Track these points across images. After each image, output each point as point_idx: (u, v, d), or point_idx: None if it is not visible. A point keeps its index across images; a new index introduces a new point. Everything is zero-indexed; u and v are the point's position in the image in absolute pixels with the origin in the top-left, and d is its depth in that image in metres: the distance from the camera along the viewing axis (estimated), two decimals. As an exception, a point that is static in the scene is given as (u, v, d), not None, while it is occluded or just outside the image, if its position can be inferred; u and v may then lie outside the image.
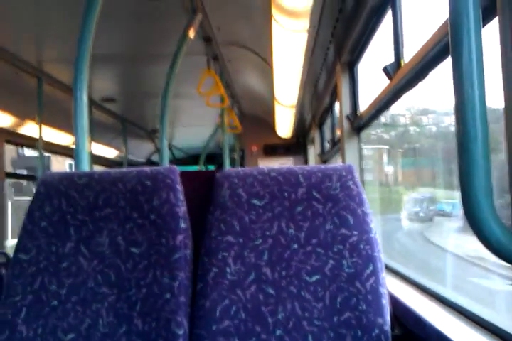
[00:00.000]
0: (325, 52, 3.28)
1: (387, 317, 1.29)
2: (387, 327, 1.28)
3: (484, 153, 0.85)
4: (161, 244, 1.35)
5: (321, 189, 1.38)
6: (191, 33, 3.28)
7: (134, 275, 1.34)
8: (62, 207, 1.41)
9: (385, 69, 2.18)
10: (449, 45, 0.90)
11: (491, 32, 1.06)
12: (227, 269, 1.34)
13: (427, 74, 1.79)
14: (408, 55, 2.01)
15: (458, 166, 0.88)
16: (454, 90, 0.90)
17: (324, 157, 5.50)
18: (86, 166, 2.09)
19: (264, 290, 1.32)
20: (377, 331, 1.27)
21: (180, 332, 1.28)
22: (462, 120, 0.87)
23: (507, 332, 1.12)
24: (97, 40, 2.13)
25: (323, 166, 1.45)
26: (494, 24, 1.07)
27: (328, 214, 1.36)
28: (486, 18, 1.07)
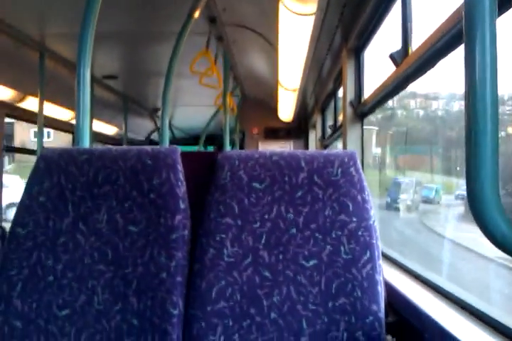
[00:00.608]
0: (331, 38, 3.24)
1: (382, 304, 1.30)
2: (381, 314, 1.29)
3: (493, 146, 0.84)
4: (160, 223, 1.35)
5: (322, 174, 1.38)
6: (196, 13, 3.24)
7: (131, 253, 1.34)
8: (61, 182, 1.40)
9: (392, 56, 2.16)
10: (463, 34, 0.89)
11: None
12: (225, 251, 1.34)
13: (435, 62, 1.76)
14: (416, 42, 1.99)
15: (465, 158, 0.87)
16: (465, 80, 0.88)
17: (325, 142, 5.49)
18: (86, 143, 2.07)
19: (261, 273, 1.32)
20: (371, 318, 1.28)
21: (175, 312, 1.28)
22: (472, 111, 0.86)
23: (499, 322, 1.13)
24: (101, 16, 2.10)
25: (325, 152, 1.44)
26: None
27: (328, 199, 1.36)
28: (501, 8, 1.05)
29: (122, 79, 5.76)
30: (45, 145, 4.57)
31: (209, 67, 3.88)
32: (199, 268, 1.34)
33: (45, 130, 4.75)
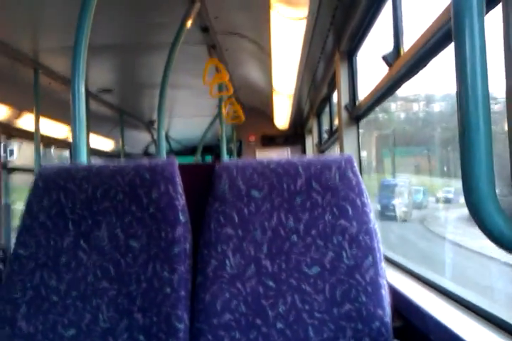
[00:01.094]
0: (324, 41, 3.26)
1: (387, 309, 1.28)
2: (388, 318, 1.28)
3: (486, 142, 0.84)
4: (161, 237, 1.34)
5: (320, 180, 1.37)
6: (189, 22, 3.26)
7: (133, 269, 1.33)
8: (60, 200, 1.39)
9: (385, 58, 2.17)
10: (452, 32, 0.89)
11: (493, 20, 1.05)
12: (227, 262, 1.33)
13: (427, 62, 1.77)
14: (408, 43, 1.99)
15: (460, 155, 0.87)
16: (457, 78, 0.89)
17: (322, 147, 5.49)
18: (84, 158, 2.07)
19: (264, 283, 1.31)
20: (377, 323, 1.26)
21: (181, 326, 1.27)
22: (464, 108, 0.86)
23: (507, 322, 1.12)
24: (94, 29, 2.10)
25: (322, 157, 1.44)
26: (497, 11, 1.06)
27: (328, 205, 1.35)
28: (489, 5, 1.06)
29: (117, 92, 5.78)
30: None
31: (215, 76, 3.88)
32: (202, 281, 1.33)
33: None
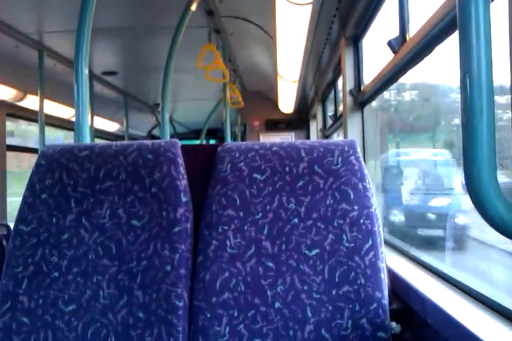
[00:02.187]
0: (329, 26, 3.23)
1: (385, 292, 1.30)
2: (385, 301, 1.29)
3: (489, 130, 0.84)
4: (162, 217, 1.35)
5: (322, 164, 1.38)
6: (194, 5, 3.24)
7: (134, 247, 1.34)
8: (63, 179, 1.41)
9: (390, 43, 2.15)
10: (457, 18, 0.89)
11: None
12: (227, 242, 1.34)
13: (433, 48, 1.76)
14: (414, 29, 1.98)
15: (462, 142, 0.88)
16: (461, 64, 0.88)
17: (326, 132, 5.47)
18: (87, 139, 2.08)
19: (264, 263, 1.33)
20: (375, 305, 1.28)
21: (180, 304, 1.29)
22: (468, 95, 0.86)
23: (504, 307, 1.14)
24: (98, 12, 2.10)
25: (325, 141, 1.44)
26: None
27: (329, 189, 1.36)
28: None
29: (122, 74, 5.77)
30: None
31: (213, 61, 3.87)
32: (202, 260, 1.34)
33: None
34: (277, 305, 1.30)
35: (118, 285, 1.32)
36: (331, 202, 1.35)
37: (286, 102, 6.61)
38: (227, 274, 1.32)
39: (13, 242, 1.38)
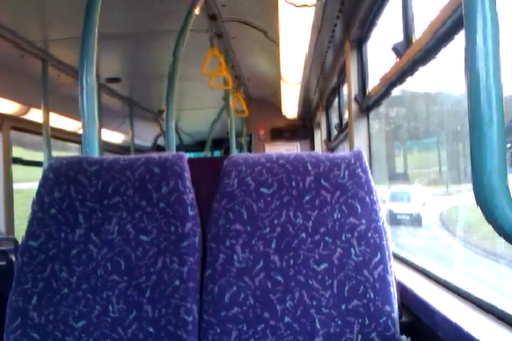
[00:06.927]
0: (332, 29, 3.20)
1: (395, 305, 1.29)
2: (395, 314, 1.28)
3: (499, 135, 0.80)
4: (170, 231, 1.36)
5: (329, 178, 1.37)
6: (196, 10, 3.22)
7: (143, 262, 1.35)
8: (71, 193, 1.40)
9: (395, 48, 2.12)
10: (463, 18, 0.85)
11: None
12: (235, 256, 1.34)
13: (438, 51, 1.73)
14: (419, 31, 1.95)
15: (470, 149, 0.84)
16: (466, 67, 0.85)
17: (331, 145, 5.40)
18: (95, 152, 2.04)
19: (273, 277, 1.32)
20: (384, 318, 1.27)
21: (190, 319, 1.29)
22: (475, 99, 0.82)
23: None
24: (102, 18, 2.07)
25: (331, 154, 1.43)
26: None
27: (336, 202, 1.35)
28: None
29: (126, 81, 5.74)
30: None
31: (216, 67, 3.84)
32: (211, 274, 1.34)
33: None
34: (287, 319, 1.29)
35: (127, 301, 1.32)
36: (339, 216, 1.34)
37: (290, 107, 6.58)
38: (235, 288, 1.32)
39: (21, 258, 1.37)
